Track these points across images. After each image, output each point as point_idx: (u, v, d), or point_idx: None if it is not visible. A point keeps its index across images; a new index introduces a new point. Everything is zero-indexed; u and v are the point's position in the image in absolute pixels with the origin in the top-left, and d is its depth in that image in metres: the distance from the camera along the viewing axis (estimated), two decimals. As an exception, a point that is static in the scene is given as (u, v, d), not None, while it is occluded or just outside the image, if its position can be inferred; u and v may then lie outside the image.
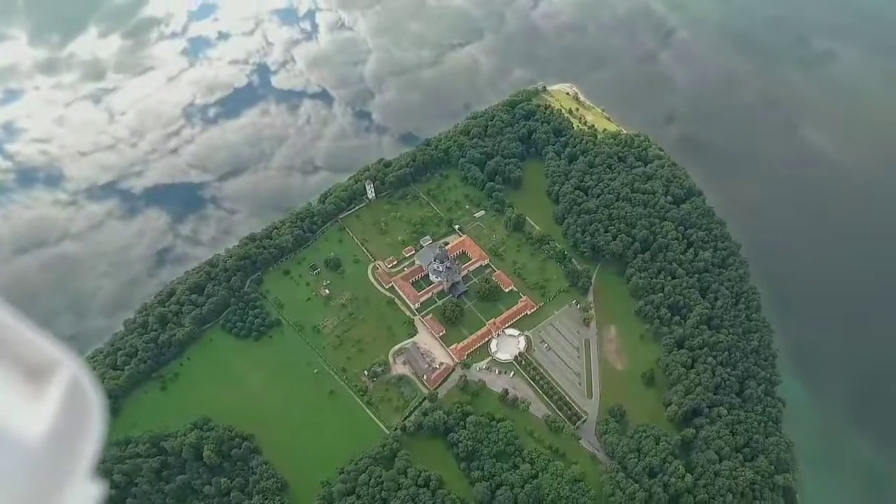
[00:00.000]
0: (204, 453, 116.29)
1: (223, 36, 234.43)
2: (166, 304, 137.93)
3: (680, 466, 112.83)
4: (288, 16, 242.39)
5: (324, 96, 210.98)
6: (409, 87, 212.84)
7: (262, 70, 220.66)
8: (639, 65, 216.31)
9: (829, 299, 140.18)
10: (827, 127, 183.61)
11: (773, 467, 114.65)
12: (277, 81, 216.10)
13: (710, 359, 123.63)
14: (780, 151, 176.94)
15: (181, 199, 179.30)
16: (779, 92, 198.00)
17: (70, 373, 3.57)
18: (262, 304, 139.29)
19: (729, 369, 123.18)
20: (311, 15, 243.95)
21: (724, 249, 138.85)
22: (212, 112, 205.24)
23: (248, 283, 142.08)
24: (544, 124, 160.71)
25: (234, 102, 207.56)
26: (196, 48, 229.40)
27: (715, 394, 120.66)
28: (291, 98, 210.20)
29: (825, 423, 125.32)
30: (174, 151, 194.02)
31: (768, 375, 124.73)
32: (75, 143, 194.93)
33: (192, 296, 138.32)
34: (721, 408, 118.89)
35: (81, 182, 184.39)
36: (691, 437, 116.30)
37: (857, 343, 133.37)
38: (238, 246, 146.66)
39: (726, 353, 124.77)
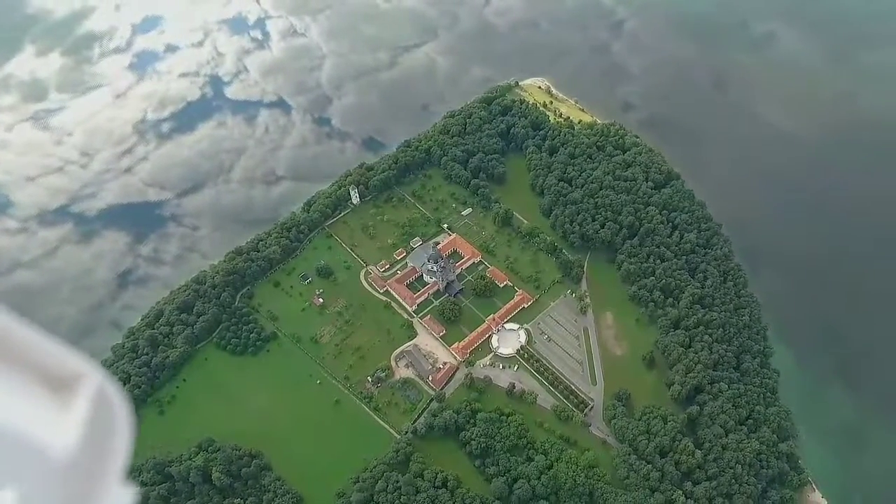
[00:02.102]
0: (213, 475, 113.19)
1: (171, 48, 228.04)
2: (155, 325, 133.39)
3: (689, 443, 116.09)
4: (237, 25, 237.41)
5: (281, 105, 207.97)
6: (367, 91, 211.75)
7: (215, 81, 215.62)
8: (595, 56, 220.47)
9: (804, 266, 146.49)
10: (777, 103, 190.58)
11: (775, 436, 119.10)
12: (232, 92, 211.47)
13: (706, 337, 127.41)
14: (738, 129, 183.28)
15: (139, 218, 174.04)
16: (728, 73, 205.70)
17: (95, 383, 3.67)
18: (256, 318, 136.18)
19: (725, 345, 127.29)
20: (261, 23, 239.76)
21: (708, 230, 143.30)
22: (165, 127, 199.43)
23: (238, 297, 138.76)
24: (522, 119, 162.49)
25: (188, 116, 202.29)
26: (143, 62, 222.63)
27: (714, 370, 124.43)
28: (248, 108, 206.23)
29: (817, 387, 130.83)
30: (128, 170, 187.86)
31: (762, 348, 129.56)
32: (21, 168, 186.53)
33: (182, 315, 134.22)
34: (721, 383, 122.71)
35: (31, 208, 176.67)
36: (696, 415, 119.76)
37: (835, 305, 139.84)
38: (224, 261, 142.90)
39: (720, 330, 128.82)
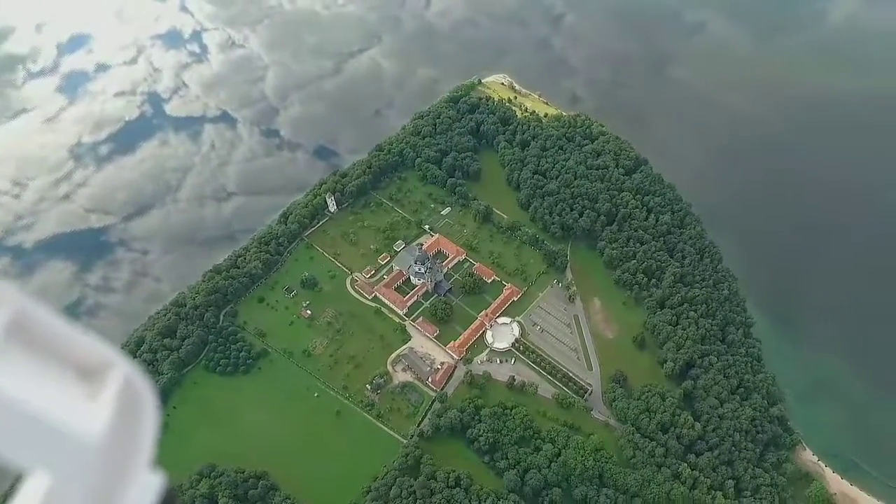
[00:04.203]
0: (220, 501, 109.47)
1: (102, 67, 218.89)
2: (138, 353, 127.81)
3: (688, 417, 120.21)
4: (172, 39, 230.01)
5: (226, 119, 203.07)
6: (313, 100, 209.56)
7: (154, 99, 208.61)
8: (542, 50, 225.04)
9: (768, 238, 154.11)
10: (720, 86, 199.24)
11: (765, 402, 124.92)
12: (172, 109, 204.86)
13: (691, 313, 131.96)
14: (689, 112, 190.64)
15: (84, 246, 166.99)
16: (670, 60, 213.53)
17: (123, 372, 3.88)
18: (243, 336, 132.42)
19: (710, 320, 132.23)
20: (196, 36, 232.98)
21: (680, 210, 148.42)
22: (104, 150, 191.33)
23: (222, 317, 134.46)
24: (490, 115, 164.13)
25: (128, 136, 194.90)
26: (73, 83, 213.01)
27: (702, 344, 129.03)
28: (190, 125, 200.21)
29: (795, 351, 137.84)
30: (66, 197, 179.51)
31: (743, 319, 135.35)
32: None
33: (165, 340, 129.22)
34: (711, 356, 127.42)
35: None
36: (691, 388, 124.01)
37: (801, 272, 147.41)
38: (203, 281, 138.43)
39: (704, 305, 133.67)
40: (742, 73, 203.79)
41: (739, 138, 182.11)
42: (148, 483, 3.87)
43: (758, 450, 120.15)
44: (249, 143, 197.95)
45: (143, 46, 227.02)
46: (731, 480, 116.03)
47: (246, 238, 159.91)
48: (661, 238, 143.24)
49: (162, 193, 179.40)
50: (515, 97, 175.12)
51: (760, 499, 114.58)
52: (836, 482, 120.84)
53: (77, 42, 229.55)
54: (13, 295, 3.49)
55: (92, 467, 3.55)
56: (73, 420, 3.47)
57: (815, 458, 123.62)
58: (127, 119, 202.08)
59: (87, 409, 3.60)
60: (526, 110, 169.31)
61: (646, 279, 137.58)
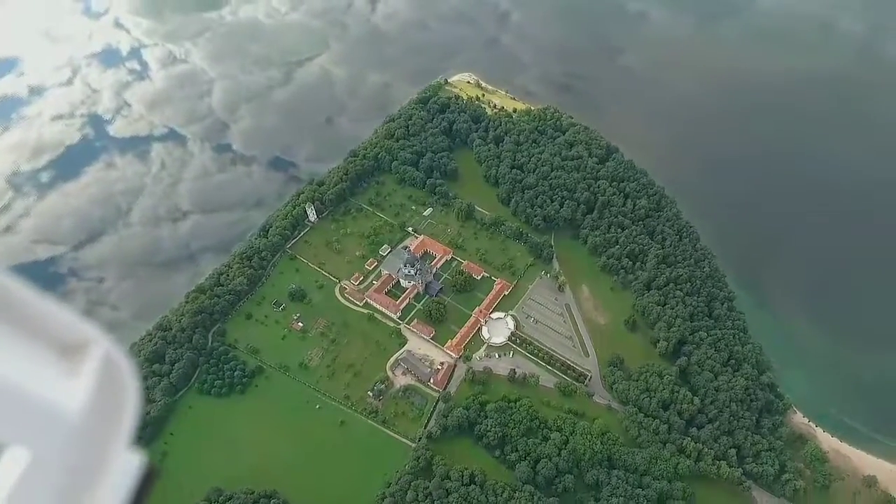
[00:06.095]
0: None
1: (36, 91, 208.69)
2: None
3: (686, 392, 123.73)
4: (109, 58, 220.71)
5: (174, 136, 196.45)
6: (264, 111, 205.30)
7: (95, 120, 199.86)
8: (492, 48, 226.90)
9: (740, 215, 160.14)
10: (668, 73, 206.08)
11: (756, 371, 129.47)
12: (116, 130, 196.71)
13: (677, 292, 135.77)
14: (647, 99, 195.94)
15: (32, 279, 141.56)
16: (620, 50, 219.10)
17: (103, 349, 3.89)
18: (235, 354, 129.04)
19: (695, 297, 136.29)
20: (135, 53, 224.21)
21: (655, 194, 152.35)
22: (45, 177, 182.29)
23: (211, 337, 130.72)
24: (461, 114, 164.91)
25: (70, 161, 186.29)
26: (6, 109, 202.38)
27: (692, 321, 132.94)
28: (137, 145, 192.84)
29: (776, 319, 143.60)
30: (9, 229, 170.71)
31: (726, 294, 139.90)
32: None
33: (154, 366, 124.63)
34: (701, 332, 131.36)
35: None
36: (686, 365, 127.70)
37: (774, 245, 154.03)
38: (187, 301, 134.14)
39: (688, 284, 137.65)
40: (687, 59, 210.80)
41: (695, 121, 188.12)
42: (128, 462, 3.89)
43: (754, 417, 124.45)
44: (201, 159, 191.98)
45: (78, 66, 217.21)
46: (732, 449, 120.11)
47: (206, 257, 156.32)
48: (641, 222, 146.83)
49: (112, 218, 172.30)
50: (483, 94, 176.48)
51: (762, 463, 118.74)
52: (827, 441, 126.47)
53: (5, 66, 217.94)
54: None
55: (72, 444, 3.50)
56: (53, 396, 3.45)
57: (806, 420, 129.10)
58: (68, 143, 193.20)
59: (67, 385, 3.58)
60: (495, 107, 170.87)
61: (630, 263, 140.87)
